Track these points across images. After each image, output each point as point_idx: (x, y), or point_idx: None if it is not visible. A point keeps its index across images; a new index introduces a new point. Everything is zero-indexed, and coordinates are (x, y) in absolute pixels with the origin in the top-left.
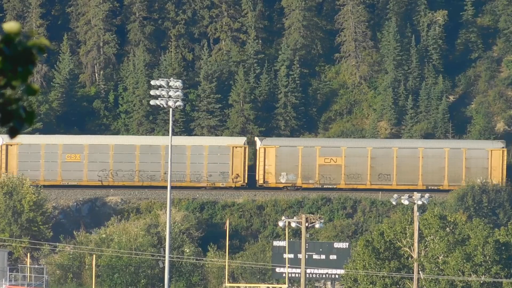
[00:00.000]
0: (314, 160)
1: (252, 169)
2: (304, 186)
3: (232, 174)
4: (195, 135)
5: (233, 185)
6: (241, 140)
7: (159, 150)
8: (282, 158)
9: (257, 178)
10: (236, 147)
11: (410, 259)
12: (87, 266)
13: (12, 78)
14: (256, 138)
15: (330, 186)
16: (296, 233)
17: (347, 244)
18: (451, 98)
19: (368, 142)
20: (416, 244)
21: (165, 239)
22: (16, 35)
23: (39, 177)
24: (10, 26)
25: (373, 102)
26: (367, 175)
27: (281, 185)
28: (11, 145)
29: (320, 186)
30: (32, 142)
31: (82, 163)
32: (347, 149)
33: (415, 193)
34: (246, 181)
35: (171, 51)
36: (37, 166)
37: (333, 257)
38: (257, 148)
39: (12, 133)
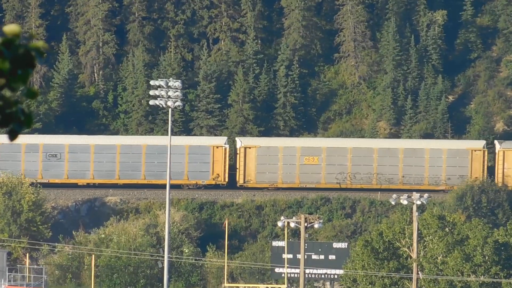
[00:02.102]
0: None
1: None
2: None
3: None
4: (194, 135)
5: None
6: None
7: (398, 153)
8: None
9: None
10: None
11: (409, 259)
12: (86, 266)
13: (11, 81)
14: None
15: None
16: (295, 233)
17: (346, 244)
18: (451, 98)
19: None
20: (415, 244)
21: (164, 239)
22: (16, 38)
23: (277, 180)
24: (11, 28)
25: (373, 102)
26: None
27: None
28: (249, 147)
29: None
30: (271, 144)
31: (320, 166)
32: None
33: (414, 193)
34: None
35: (171, 51)
36: (275, 169)
37: (332, 257)
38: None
39: (12, 135)
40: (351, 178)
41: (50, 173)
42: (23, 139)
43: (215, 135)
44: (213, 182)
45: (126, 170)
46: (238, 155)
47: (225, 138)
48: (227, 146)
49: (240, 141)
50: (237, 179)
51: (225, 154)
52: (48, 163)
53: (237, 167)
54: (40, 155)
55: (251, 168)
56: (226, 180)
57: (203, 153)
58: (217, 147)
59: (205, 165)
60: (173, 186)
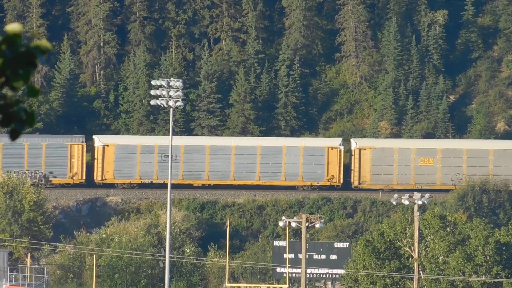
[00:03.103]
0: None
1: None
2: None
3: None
4: (196, 135)
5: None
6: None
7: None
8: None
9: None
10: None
11: (410, 259)
12: (87, 266)
13: (13, 80)
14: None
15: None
16: (296, 233)
17: (348, 244)
18: (452, 98)
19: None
20: (416, 244)
21: (165, 239)
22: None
23: (392, 181)
24: (12, 27)
25: (374, 102)
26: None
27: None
28: (364, 149)
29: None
30: (386, 146)
31: (435, 167)
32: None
33: (415, 193)
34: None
35: (172, 51)
36: (390, 170)
37: (333, 257)
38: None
39: (13, 135)
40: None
41: (166, 174)
42: (139, 140)
43: (216, 135)
44: (328, 183)
45: (241, 171)
46: (353, 157)
47: (340, 139)
48: (342, 147)
49: (355, 143)
50: (352, 180)
51: (339, 155)
52: (164, 164)
53: (352, 168)
54: (155, 156)
55: (366, 169)
56: (341, 181)
57: (318, 154)
58: (332, 148)
59: (320, 167)
60: (288, 187)
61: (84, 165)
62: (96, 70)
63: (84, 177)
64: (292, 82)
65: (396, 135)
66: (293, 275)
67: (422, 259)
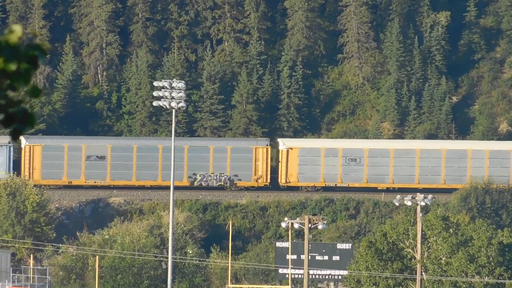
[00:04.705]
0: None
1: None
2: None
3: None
4: (198, 136)
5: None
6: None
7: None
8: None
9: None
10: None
11: (413, 260)
12: (90, 267)
13: (14, 80)
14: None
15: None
16: (299, 234)
17: (350, 245)
18: (454, 99)
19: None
20: (419, 245)
21: (168, 240)
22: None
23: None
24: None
25: (376, 103)
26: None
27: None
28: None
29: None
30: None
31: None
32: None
33: (418, 194)
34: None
35: (174, 52)
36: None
37: (336, 258)
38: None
39: (15, 135)
40: None
41: (350, 177)
42: (323, 143)
43: (219, 136)
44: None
45: (425, 175)
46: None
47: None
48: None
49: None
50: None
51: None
52: (348, 167)
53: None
54: (339, 160)
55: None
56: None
57: (503, 158)
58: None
59: (506, 170)
60: None
61: (269, 168)
62: (99, 71)
63: (268, 180)
64: (295, 83)
65: (399, 136)
66: (296, 276)
67: (424, 260)
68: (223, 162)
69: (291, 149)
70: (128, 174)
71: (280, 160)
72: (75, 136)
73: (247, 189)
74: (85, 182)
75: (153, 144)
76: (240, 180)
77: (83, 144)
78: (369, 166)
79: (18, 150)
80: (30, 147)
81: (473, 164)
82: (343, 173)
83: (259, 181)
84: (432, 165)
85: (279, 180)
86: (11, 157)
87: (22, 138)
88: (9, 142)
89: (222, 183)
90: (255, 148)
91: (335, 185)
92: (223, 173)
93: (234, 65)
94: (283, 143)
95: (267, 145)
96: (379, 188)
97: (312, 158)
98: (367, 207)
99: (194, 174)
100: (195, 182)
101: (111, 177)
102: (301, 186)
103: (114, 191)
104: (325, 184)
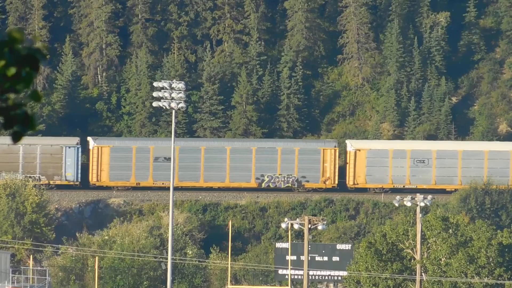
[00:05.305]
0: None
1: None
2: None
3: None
4: (198, 136)
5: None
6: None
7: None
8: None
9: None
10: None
11: (412, 260)
12: (89, 268)
13: (15, 83)
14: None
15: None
16: (298, 234)
17: (350, 245)
18: (454, 99)
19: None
20: (418, 246)
21: (167, 241)
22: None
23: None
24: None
25: (376, 103)
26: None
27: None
28: None
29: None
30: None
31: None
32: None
33: (417, 194)
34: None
35: (174, 53)
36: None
37: (335, 258)
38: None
39: (16, 137)
40: None
41: (418, 178)
42: (391, 144)
43: (218, 136)
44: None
45: (494, 176)
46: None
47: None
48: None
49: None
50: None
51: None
52: (416, 168)
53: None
54: (407, 161)
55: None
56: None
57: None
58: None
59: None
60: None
61: (337, 169)
62: (98, 72)
63: (336, 182)
64: (294, 84)
65: (399, 136)
66: (296, 277)
67: (424, 261)
68: (291, 164)
69: (359, 150)
70: (195, 176)
71: (347, 161)
72: (144, 138)
73: (315, 190)
74: (153, 183)
75: (220, 146)
76: (307, 181)
77: (151, 146)
78: (437, 168)
79: (86, 152)
80: (98, 149)
81: None
82: (411, 175)
83: (327, 182)
84: (500, 167)
85: (347, 182)
86: (79, 158)
87: (90, 139)
88: (77, 144)
89: (290, 185)
90: (323, 149)
91: (403, 186)
92: (290, 175)
93: (234, 66)
94: (351, 145)
95: (335, 147)
96: (447, 190)
97: (380, 159)
98: (367, 207)
99: (262, 175)
100: (263, 184)
101: (178, 178)
102: (369, 188)
103: (114, 191)
104: (393, 186)
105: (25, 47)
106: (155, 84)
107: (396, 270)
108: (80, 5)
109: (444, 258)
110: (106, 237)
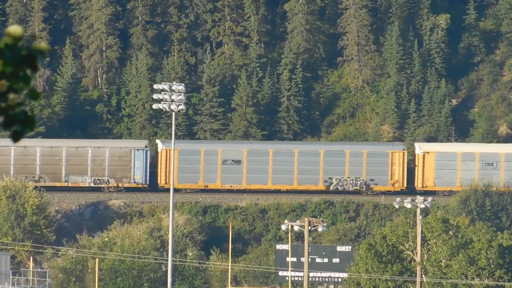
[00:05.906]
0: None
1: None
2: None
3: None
4: (198, 138)
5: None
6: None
7: None
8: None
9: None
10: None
11: (413, 262)
12: (90, 270)
13: (14, 82)
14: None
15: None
16: (299, 236)
17: (350, 247)
18: (454, 101)
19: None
20: (418, 248)
21: (168, 242)
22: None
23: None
24: (13, 30)
25: (376, 105)
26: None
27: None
28: None
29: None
30: None
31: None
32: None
33: (418, 196)
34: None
35: (174, 55)
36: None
37: (336, 260)
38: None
39: (15, 137)
40: None
41: (487, 182)
42: (459, 147)
43: (219, 138)
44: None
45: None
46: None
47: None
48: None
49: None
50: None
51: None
52: (484, 171)
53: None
54: (476, 164)
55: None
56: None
57: None
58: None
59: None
60: None
61: (405, 172)
62: (98, 74)
63: (405, 185)
64: (294, 86)
65: (398, 138)
66: (296, 278)
67: (424, 263)
68: (359, 167)
69: (428, 153)
70: (264, 178)
71: (416, 164)
72: (211, 140)
73: (384, 193)
74: (221, 186)
75: (289, 149)
76: (376, 184)
77: (219, 148)
78: (505, 171)
79: (155, 154)
80: (166, 151)
81: None
82: (479, 178)
83: (396, 185)
84: None
85: (415, 185)
86: (148, 161)
87: (158, 142)
88: (145, 146)
89: (358, 188)
90: (392, 152)
91: (451, 189)
92: (359, 177)
93: (234, 68)
94: (420, 147)
95: (403, 150)
96: None
97: (448, 162)
98: (367, 209)
99: (330, 178)
100: (331, 187)
101: (246, 181)
102: (438, 191)
103: (114, 193)
104: (462, 188)
105: (25, 46)
106: (155, 86)
107: (396, 272)
108: (81, 7)
109: (444, 260)
110: (107, 239)
